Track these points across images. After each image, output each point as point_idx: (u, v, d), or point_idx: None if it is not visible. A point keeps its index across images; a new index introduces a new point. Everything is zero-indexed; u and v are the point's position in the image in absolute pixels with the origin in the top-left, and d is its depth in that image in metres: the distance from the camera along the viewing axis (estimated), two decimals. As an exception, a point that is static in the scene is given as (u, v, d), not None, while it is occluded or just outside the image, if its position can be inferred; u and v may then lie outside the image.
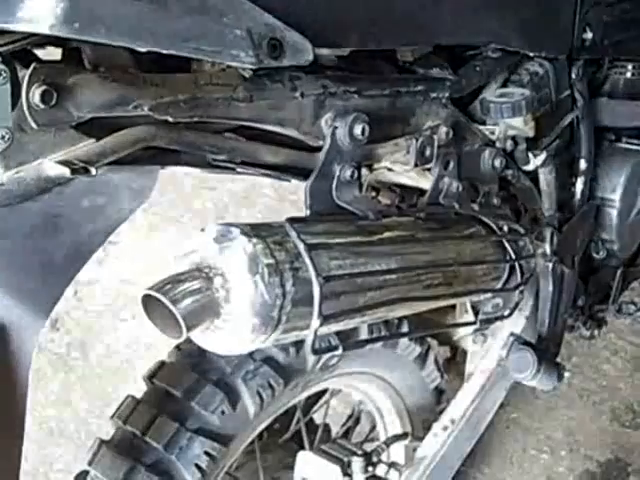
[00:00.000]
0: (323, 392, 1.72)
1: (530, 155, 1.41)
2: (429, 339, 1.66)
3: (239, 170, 1.06)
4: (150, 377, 1.32)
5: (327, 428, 1.78)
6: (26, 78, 0.83)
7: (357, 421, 1.85)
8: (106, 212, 0.92)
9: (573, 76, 1.53)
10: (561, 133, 1.52)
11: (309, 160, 1.12)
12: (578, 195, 1.62)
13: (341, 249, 1.00)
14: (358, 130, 1.10)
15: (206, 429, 1.26)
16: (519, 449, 2.22)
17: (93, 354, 2.51)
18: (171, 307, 0.86)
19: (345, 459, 1.46)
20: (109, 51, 0.93)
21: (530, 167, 1.42)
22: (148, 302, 0.89)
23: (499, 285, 1.30)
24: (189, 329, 0.88)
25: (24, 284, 0.87)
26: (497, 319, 1.34)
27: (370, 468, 1.47)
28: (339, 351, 1.00)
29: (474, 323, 1.31)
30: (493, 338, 1.59)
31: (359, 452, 1.48)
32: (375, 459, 1.48)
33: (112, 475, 1.23)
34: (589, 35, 1.51)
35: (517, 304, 1.34)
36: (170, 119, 0.94)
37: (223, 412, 1.27)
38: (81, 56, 0.92)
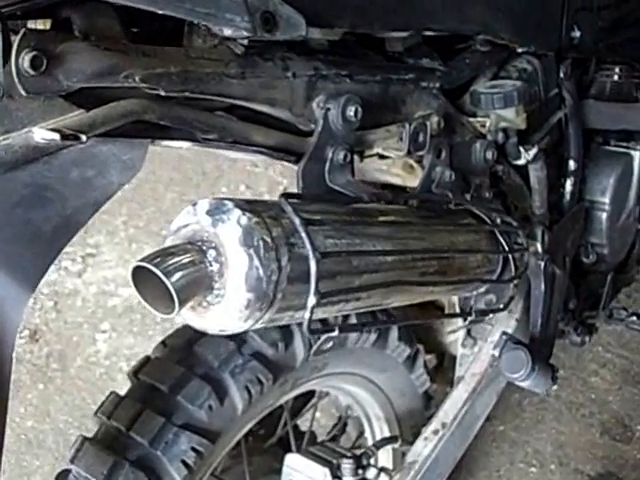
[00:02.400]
0: (310, 397, 1.69)
1: (521, 149, 1.40)
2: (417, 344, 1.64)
3: (230, 147, 1.03)
4: (135, 373, 1.28)
5: (313, 435, 1.74)
6: (15, 43, 0.81)
7: (343, 429, 1.81)
8: (95, 185, 0.89)
9: (561, 75, 1.53)
10: (550, 132, 1.52)
11: (301, 144, 1.10)
12: (568, 196, 1.61)
13: (337, 228, 0.98)
14: (351, 112, 1.08)
15: (193, 424, 1.22)
16: (506, 462, 2.19)
17: (72, 366, 2.47)
18: (164, 279, 0.83)
19: (334, 461, 1.42)
20: (99, 22, 0.92)
21: (521, 161, 1.41)
22: (138, 276, 0.86)
23: (493, 278, 1.28)
24: (181, 303, 0.84)
25: (10, 255, 0.83)
26: (492, 311, 1.32)
27: (360, 471, 1.44)
28: (335, 332, 0.97)
29: (469, 314, 1.28)
30: (483, 341, 1.57)
31: (349, 454, 1.44)
32: (365, 462, 1.45)
33: (95, 471, 1.18)
34: (577, 34, 1.51)
35: (511, 299, 1.32)
36: (162, 92, 0.92)
37: (210, 407, 1.23)
38: (71, 27, 0.90)
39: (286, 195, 0.94)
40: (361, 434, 1.74)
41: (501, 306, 1.30)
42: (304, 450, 1.47)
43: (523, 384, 1.45)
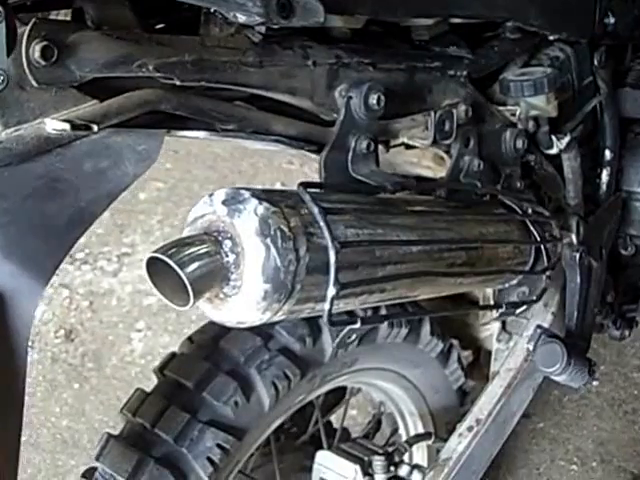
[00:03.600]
0: (342, 394, 1.66)
1: (553, 138, 1.36)
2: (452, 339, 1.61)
3: (250, 137, 1.01)
4: (161, 369, 1.27)
5: (346, 432, 1.72)
6: (26, 33, 0.80)
7: (378, 427, 1.79)
8: (109, 176, 0.87)
9: (595, 62, 1.49)
10: (584, 121, 1.48)
11: (322, 134, 1.08)
12: (604, 187, 1.58)
13: (359, 217, 0.95)
14: (373, 100, 1.06)
15: (218, 421, 1.20)
16: (547, 460, 2.14)
17: (108, 365, 2.48)
18: (178, 270, 0.81)
19: (366, 458, 1.39)
20: (112, 11, 0.90)
21: (554, 150, 1.38)
22: (153, 267, 0.84)
23: (525, 269, 1.25)
24: (196, 295, 0.83)
25: (23, 247, 0.82)
26: (524, 303, 1.28)
27: (392, 468, 1.41)
28: (357, 324, 0.95)
29: (501, 306, 1.25)
30: (519, 336, 1.54)
31: (380, 451, 1.42)
32: (397, 459, 1.42)
33: (120, 469, 1.17)
34: (611, 20, 1.47)
35: (544, 290, 1.28)
36: (177, 82, 0.90)
37: (236, 403, 1.21)
38: (84, 17, 0.89)
39: (305, 184, 0.92)
40: (395, 431, 1.71)
41: (534, 298, 1.26)
42: (335, 447, 1.45)
43: (559, 378, 1.41)
